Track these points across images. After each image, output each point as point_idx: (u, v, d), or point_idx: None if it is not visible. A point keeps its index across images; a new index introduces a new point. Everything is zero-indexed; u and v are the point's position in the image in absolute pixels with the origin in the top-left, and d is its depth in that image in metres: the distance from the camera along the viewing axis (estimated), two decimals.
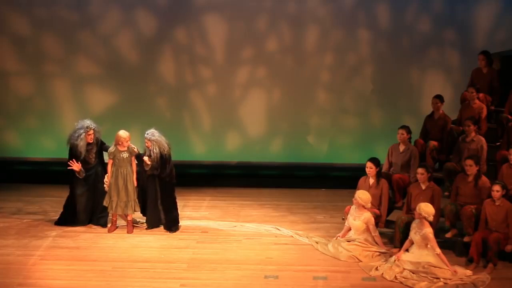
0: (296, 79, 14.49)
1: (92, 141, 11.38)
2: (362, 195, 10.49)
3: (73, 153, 11.32)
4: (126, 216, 11.29)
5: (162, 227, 11.38)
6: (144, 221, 11.53)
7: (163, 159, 11.15)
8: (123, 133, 11.22)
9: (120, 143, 11.18)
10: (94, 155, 11.48)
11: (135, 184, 11.25)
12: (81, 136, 11.26)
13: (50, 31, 14.40)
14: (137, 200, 11.25)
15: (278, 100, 14.60)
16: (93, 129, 11.36)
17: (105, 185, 11.28)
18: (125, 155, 11.20)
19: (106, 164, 11.43)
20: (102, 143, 11.60)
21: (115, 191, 11.18)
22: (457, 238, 10.43)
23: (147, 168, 11.15)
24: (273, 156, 14.68)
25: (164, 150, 11.15)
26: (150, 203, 11.35)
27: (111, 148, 11.26)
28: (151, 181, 11.28)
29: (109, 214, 11.37)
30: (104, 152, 11.62)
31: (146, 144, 11.19)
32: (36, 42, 14.46)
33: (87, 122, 11.38)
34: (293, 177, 14.43)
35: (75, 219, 11.52)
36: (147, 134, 11.19)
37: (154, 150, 11.11)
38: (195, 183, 13.83)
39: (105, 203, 11.26)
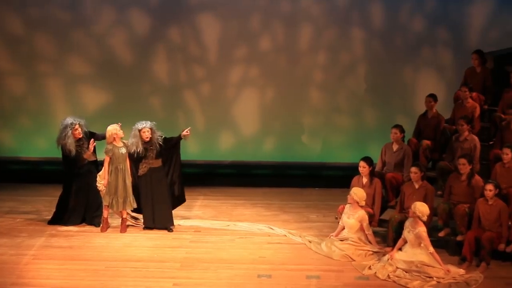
0: (290, 78, 14.47)
1: (81, 135, 11.24)
2: (358, 192, 10.50)
3: (65, 153, 11.24)
4: (121, 213, 11.23)
5: (157, 226, 11.34)
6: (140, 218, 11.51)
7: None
8: (111, 127, 11.08)
9: (115, 137, 11.06)
10: (87, 150, 11.34)
11: (131, 179, 11.20)
12: (68, 134, 11.12)
13: (43, 30, 14.37)
14: (133, 196, 11.20)
15: (271, 99, 14.59)
16: (78, 124, 11.22)
17: (99, 184, 11.15)
18: (123, 150, 11.08)
19: (99, 160, 11.34)
20: (92, 134, 11.43)
21: (114, 188, 11.10)
22: (450, 237, 10.44)
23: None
24: (266, 156, 14.67)
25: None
26: (147, 201, 11.28)
27: (108, 146, 11.08)
28: (149, 178, 11.22)
29: (111, 211, 11.28)
30: (96, 149, 11.49)
31: (149, 135, 11.04)
32: (29, 41, 14.43)
33: (70, 119, 11.24)
34: (286, 176, 14.42)
35: (68, 218, 11.48)
36: (150, 124, 11.13)
37: (159, 138, 11.15)
38: (188, 183, 13.76)
39: (106, 203, 11.15)
